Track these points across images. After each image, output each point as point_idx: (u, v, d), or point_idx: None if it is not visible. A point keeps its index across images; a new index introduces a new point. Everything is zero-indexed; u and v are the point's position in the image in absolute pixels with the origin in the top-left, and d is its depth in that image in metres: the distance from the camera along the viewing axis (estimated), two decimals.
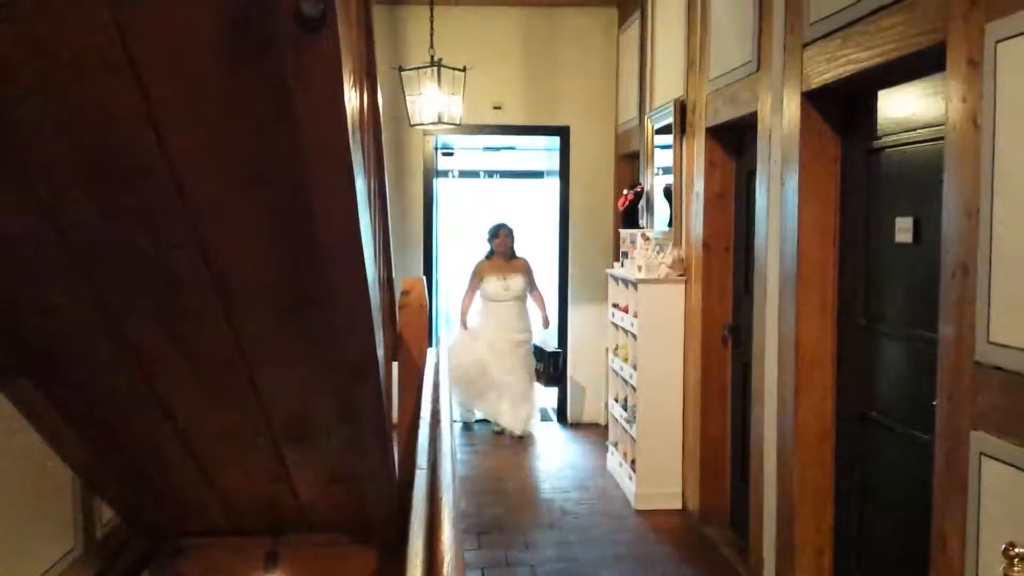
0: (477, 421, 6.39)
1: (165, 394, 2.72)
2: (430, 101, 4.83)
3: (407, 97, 4.89)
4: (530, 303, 6.31)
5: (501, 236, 6.15)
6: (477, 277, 6.16)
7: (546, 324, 6.32)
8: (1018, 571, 1.19)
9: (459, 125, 5.13)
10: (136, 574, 3.43)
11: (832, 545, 2.99)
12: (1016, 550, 1.19)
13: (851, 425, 2.88)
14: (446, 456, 2.06)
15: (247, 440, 3.08)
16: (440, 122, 4.86)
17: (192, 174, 1.85)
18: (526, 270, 6.17)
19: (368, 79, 2.67)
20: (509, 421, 6.01)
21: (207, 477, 3.33)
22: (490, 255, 6.21)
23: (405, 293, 4.10)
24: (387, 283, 3.49)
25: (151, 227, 2.01)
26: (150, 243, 2.04)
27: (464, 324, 6.18)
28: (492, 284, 6.05)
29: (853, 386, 2.87)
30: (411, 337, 4.07)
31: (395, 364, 4.10)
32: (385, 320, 3.53)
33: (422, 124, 4.95)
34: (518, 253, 6.28)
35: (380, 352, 2.63)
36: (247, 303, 2.33)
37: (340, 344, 2.54)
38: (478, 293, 6.18)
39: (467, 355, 5.98)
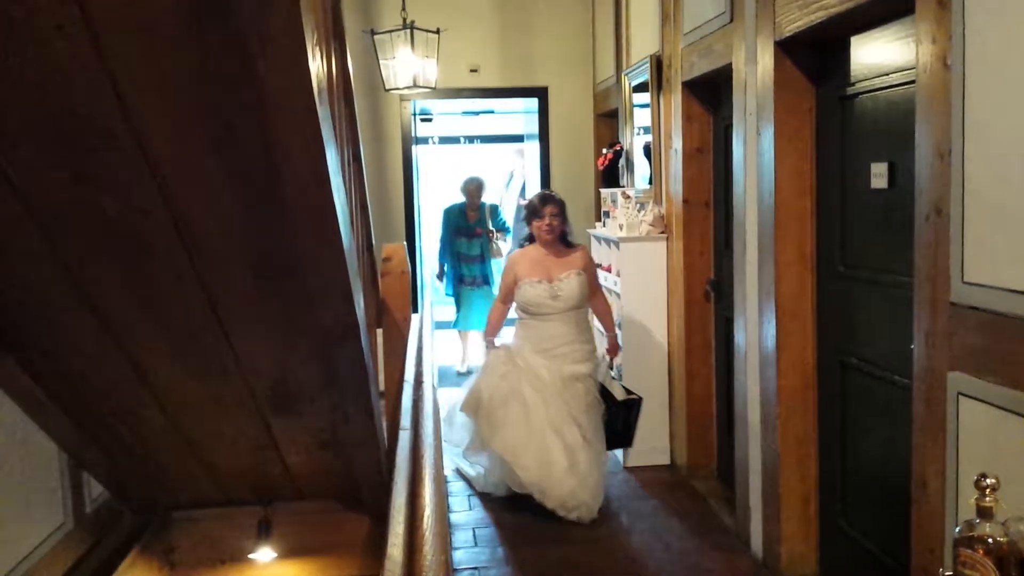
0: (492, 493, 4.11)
1: (145, 365, 2.71)
2: (404, 65, 4.78)
3: (380, 61, 4.83)
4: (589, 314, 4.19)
5: (547, 214, 3.89)
6: (509, 277, 3.99)
7: (614, 351, 4.17)
8: (989, 501, 1.20)
9: (435, 89, 5.08)
10: (128, 547, 3.44)
11: (817, 492, 3.03)
12: (987, 480, 1.21)
13: (832, 373, 2.90)
14: (428, 416, 2.06)
15: (231, 409, 3.07)
16: (415, 86, 4.81)
17: (156, 137, 1.82)
18: (586, 266, 3.95)
19: (336, 41, 2.63)
20: (562, 498, 3.69)
21: (193, 448, 3.33)
22: (525, 241, 4.09)
23: (387, 259, 4.08)
24: (367, 249, 3.47)
25: (118, 193, 1.98)
26: (118, 209, 2.01)
27: (491, 342, 4.09)
28: (532, 290, 3.85)
29: (832, 334, 2.89)
30: (394, 303, 4.06)
31: (380, 331, 4.10)
32: (366, 286, 3.52)
33: (397, 89, 4.90)
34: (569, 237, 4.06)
35: (360, 316, 2.63)
36: (221, 269, 2.32)
37: (318, 309, 2.53)
38: (516, 307, 4.07)
39: (498, 387, 3.84)
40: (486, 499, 4.12)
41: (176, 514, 3.87)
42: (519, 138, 7.64)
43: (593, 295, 4.02)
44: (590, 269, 4.00)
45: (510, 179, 8.34)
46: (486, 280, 6.59)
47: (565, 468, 3.67)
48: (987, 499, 1.20)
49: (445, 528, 1.48)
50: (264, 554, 3.73)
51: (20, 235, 2.08)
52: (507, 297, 4.04)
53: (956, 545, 1.24)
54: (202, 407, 3.04)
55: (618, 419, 3.93)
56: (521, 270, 3.94)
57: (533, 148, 6.61)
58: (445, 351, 6.74)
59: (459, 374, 6.53)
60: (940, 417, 1.99)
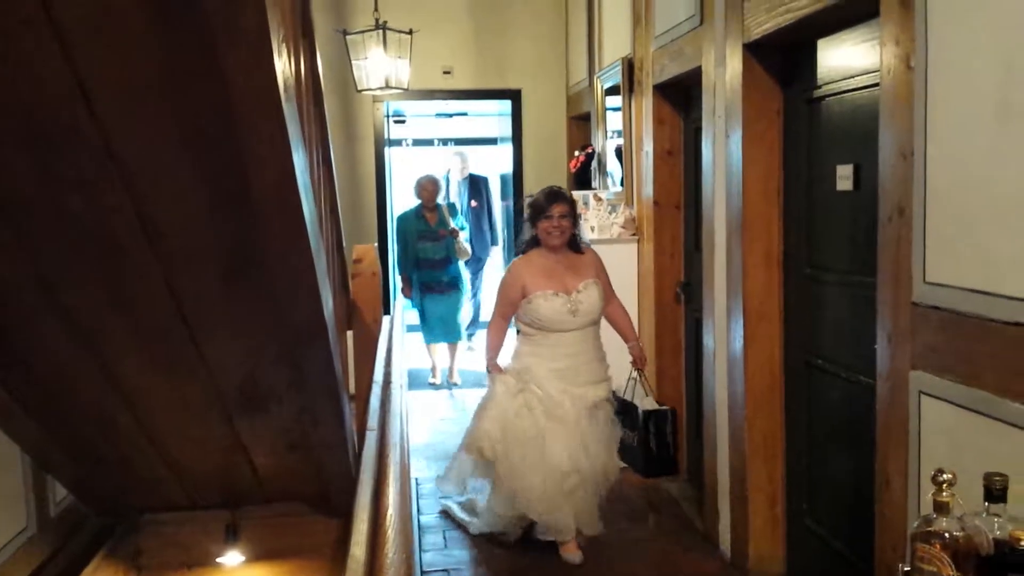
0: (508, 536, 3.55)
1: (111, 365, 2.68)
2: (376, 65, 4.77)
3: (353, 62, 4.82)
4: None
5: (555, 214, 3.30)
6: (514, 290, 3.35)
7: (642, 362, 3.58)
8: (946, 496, 1.21)
9: (407, 90, 5.07)
10: (94, 552, 3.40)
11: (784, 492, 3.05)
12: (944, 475, 1.22)
13: (798, 374, 2.92)
14: (395, 416, 2.05)
15: (198, 411, 3.04)
16: (387, 87, 4.80)
17: (122, 135, 1.80)
18: (599, 270, 3.45)
19: (305, 40, 2.62)
20: (558, 527, 3.34)
21: (160, 451, 3.29)
22: (529, 247, 3.44)
23: (357, 261, 4.06)
24: (336, 250, 3.45)
25: (86, 191, 1.96)
26: (86, 208, 1.99)
27: (495, 366, 3.46)
28: (547, 304, 3.26)
29: (799, 335, 2.91)
30: (365, 304, 4.04)
31: (350, 333, 4.08)
32: (336, 287, 3.50)
33: (369, 89, 4.89)
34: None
35: (328, 315, 2.61)
36: (188, 267, 2.29)
37: (285, 308, 2.51)
38: (518, 320, 3.46)
39: (512, 425, 3.30)
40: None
41: (144, 518, 3.82)
42: (493, 140, 7.65)
43: (608, 302, 3.46)
44: (603, 273, 3.46)
45: (445, 182, 7.60)
46: (453, 284, 6.09)
47: (575, 501, 3.30)
48: (943, 494, 1.21)
49: (409, 527, 1.47)
50: (232, 558, 3.70)
51: None
52: (508, 311, 3.41)
53: (913, 540, 1.25)
54: (169, 408, 3.01)
55: (654, 435, 3.54)
56: (530, 281, 3.30)
57: (506, 151, 6.62)
58: (416, 354, 6.38)
59: (432, 385, 6.22)
60: (903, 416, 2.01)
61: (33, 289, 2.24)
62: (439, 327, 6.11)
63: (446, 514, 3.93)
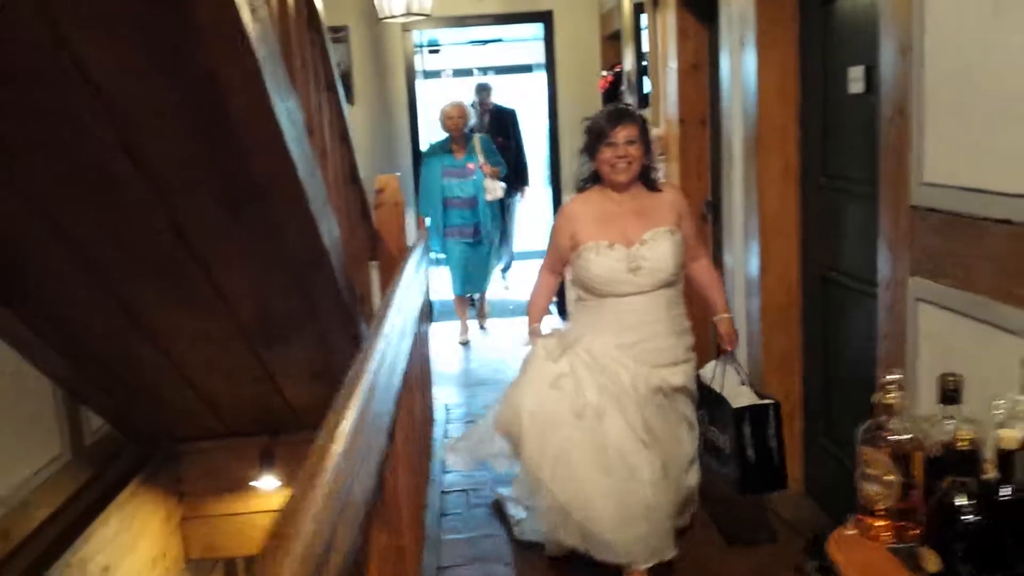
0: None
1: (129, 301, 2.75)
2: None
3: None
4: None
5: (620, 138, 2.52)
6: (563, 238, 2.64)
7: (731, 340, 2.70)
8: (893, 398, 1.16)
9: (430, 17, 4.97)
10: (130, 478, 3.54)
11: (802, 411, 2.99)
12: (890, 376, 1.17)
13: (814, 289, 2.84)
14: (383, 337, 2.05)
15: (221, 342, 3.11)
16: (409, 13, 4.71)
17: (95, 62, 1.80)
18: (680, 216, 2.62)
19: None
20: (629, 550, 2.49)
21: (190, 382, 3.39)
22: (587, 184, 2.68)
23: (379, 191, 4.06)
24: (351, 181, 3.45)
25: (72, 124, 1.98)
26: (76, 140, 2.02)
27: (535, 330, 2.75)
28: (600, 260, 2.53)
29: (815, 248, 2.82)
30: (388, 235, 4.05)
31: (375, 264, 4.11)
32: (352, 217, 3.51)
33: (392, 17, 4.81)
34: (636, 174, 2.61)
35: (328, 244, 2.62)
36: (186, 200, 2.32)
37: (283, 238, 2.53)
38: (567, 277, 2.78)
39: (547, 398, 2.54)
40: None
41: (182, 447, 3.97)
42: (528, 68, 7.50)
43: (694, 258, 2.67)
44: (686, 219, 2.62)
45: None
46: (478, 232, 5.44)
47: (642, 512, 2.45)
48: (890, 396, 1.16)
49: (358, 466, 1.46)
50: (267, 482, 3.82)
51: None
52: (557, 265, 2.72)
53: (861, 443, 1.21)
54: (193, 342, 3.09)
55: (754, 439, 2.50)
56: (582, 228, 2.56)
57: (542, 79, 6.47)
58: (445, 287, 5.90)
59: (462, 344, 5.68)
60: (901, 326, 1.94)
61: (41, 225, 2.30)
62: (464, 276, 5.55)
63: (496, 506, 3.22)
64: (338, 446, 1.28)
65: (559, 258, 2.70)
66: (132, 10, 1.71)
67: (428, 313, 4.11)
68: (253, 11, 1.80)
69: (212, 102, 1.92)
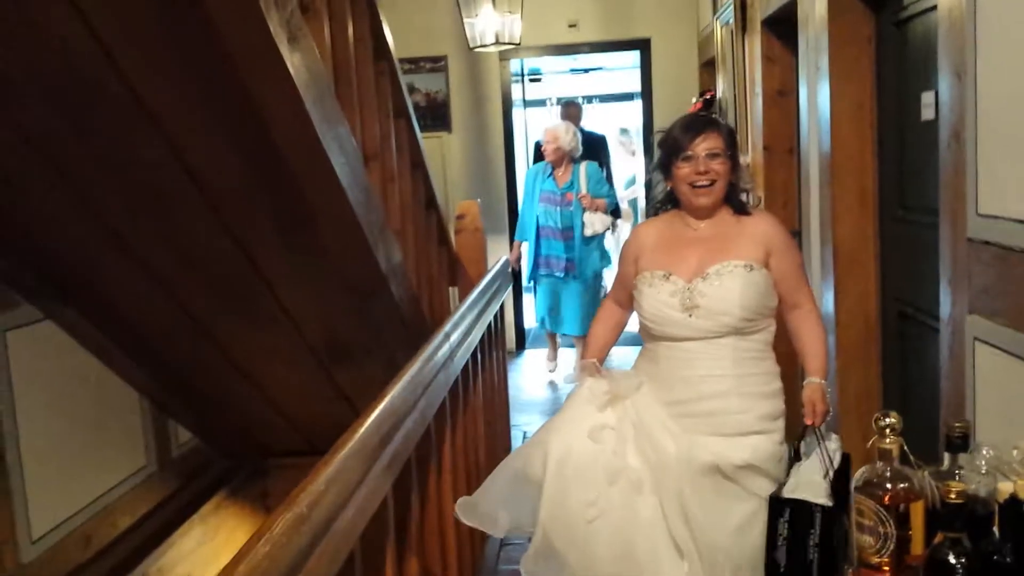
0: None
1: (200, 317, 2.88)
2: (487, 22, 4.76)
3: (464, 21, 4.84)
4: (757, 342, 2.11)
5: (699, 152, 2.08)
6: (627, 265, 2.27)
7: (819, 413, 2.04)
8: (890, 443, 1.07)
9: (519, 45, 5.03)
10: (215, 491, 3.68)
11: None
12: (887, 420, 1.08)
13: (893, 326, 2.68)
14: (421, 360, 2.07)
15: (292, 360, 3.21)
16: (499, 42, 4.78)
17: (146, 90, 1.90)
18: (770, 250, 2.10)
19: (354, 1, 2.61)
20: None
21: (269, 399, 3.51)
22: (663, 207, 2.28)
23: (460, 217, 4.12)
24: (427, 206, 3.50)
25: (127, 145, 2.10)
26: (129, 162, 2.14)
27: (586, 366, 2.24)
28: (650, 292, 2.12)
29: (893, 283, 2.66)
30: (468, 259, 4.10)
31: (455, 289, 4.15)
32: (420, 243, 3.55)
33: (483, 46, 4.90)
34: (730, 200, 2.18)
35: (386, 269, 2.66)
36: (245, 221, 2.42)
37: (340, 262, 2.60)
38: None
39: (582, 451, 2.08)
40: None
41: (270, 462, 4.10)
42: (630, 96, 7.46)
43: (793, 305, 2.13)
44: (783, 256, 2.11)
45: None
46: (572, 267, 5.03)
47: None
48: (887, 441, 1.07)
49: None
50: None
51: (55, 195, 2.24)
52: (622, 296, 2.31)
53: (854, 490, 1.12)
54: (267, 358, 3.20)
55: (777, 541, 1.91)
56: (645, 254, 2.19)
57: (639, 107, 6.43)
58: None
59: (551, 372, 5.41)
60: (960, 367, 1.80)
61: (110, 244, 2.44)
62: (547, 313, 5.19)
63: None
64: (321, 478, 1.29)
65: (621, 286, 2.30)
66: (172, 32, 1.79)
67: (500, 338, 4.09)
68: (292, 40, 1.86)
69: (257, 128, 1.99)
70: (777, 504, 1.92)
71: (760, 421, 2.03)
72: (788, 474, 1.97)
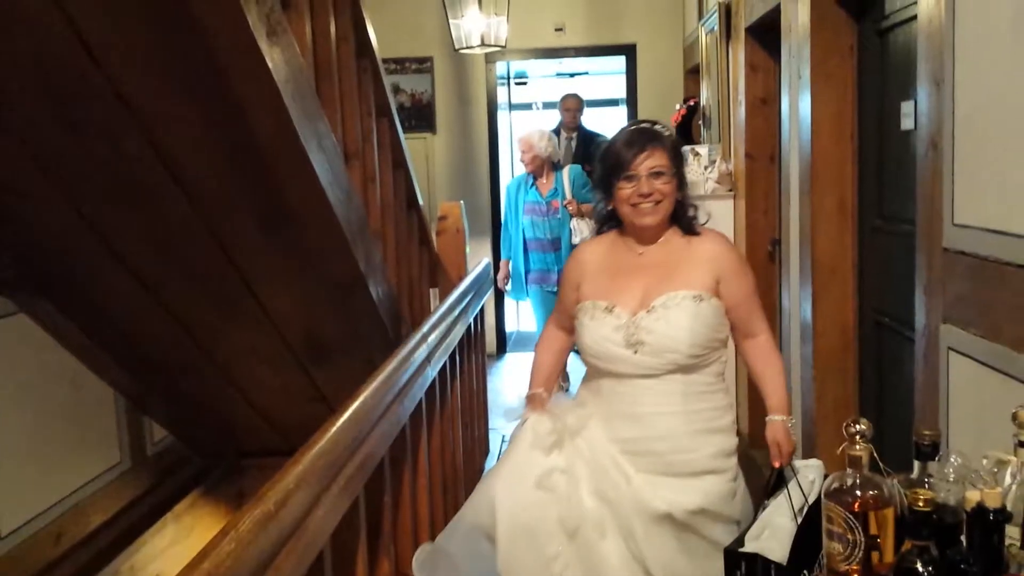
0: None
1: (179, 312, 2.85)
2: (472, 23, 4.75)
3: (450, 22, 4.83)
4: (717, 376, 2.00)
5: (641, 170, 1.89)
6: (569, 290, 2.07)
7: (784, 452, 1.92)
8: (860, 449, 1.07)
9: (505, 48, 5.03)
10: (190, 490, 3.65)
11: None
12: (857, 427, 1.08)
13: (870, 335, 2.69)
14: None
15: (272, 359, 3.18)
16: (485, 44, 4.78)
17: (122, 75, 1.88)
18: (722, 276, 1.94)
19: None
20: None
21: (248, 398, 3.48)
22: (604, 227, 2.10)
23: (442, 218, 4.10)
24: (408, 207, 3.48)
25: (108, 139, 2.08)
26: (111, 154, 2.11)
27: (535, 397, 2.08)
28: (591, 325, 1.95)
29: (871, 293, 2.68)
30: (449, 261, 4.09)
31: (435, 290, 4.13)
32: (400, 244, 3.53)
33: (468, 48, 4.89)
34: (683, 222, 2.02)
35: (365, 268, 2.65)
36: (224, 217, 2.40)
37: (320, 262, 2.58)
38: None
39: (531, 503, 1.92)
40: None
41: (246, 461, 4.06)
42: (615, 102, 7.46)
43: (747, 335, 2.00)
44: (735, 282, 1.96)
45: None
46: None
47: None
48: (856, 448, 1.07)
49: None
50: None
51: (34, 187, 2.21)
52: (565, 320, 2.12)
53: (824, 496, 1.12)
54: (245, 357, 3.17)
55: None
56: (588, 280, 2.03)
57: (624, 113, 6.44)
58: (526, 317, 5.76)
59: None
60: (935, 377, 1.81)
61: (88, 236, 2.41)
62: (543, 323, 4.87)
63: None
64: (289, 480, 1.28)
65: (564, 311, 2.11)
66: (155, 28, 1.77)
67: (480, 341, 4.08)
68: (272, 34, 1.85)
69: (238, 122, 1.98)
70: (731, 557, 1.72)
71: (712, 460, 1.90)
72: (756, 515, 1.80)
